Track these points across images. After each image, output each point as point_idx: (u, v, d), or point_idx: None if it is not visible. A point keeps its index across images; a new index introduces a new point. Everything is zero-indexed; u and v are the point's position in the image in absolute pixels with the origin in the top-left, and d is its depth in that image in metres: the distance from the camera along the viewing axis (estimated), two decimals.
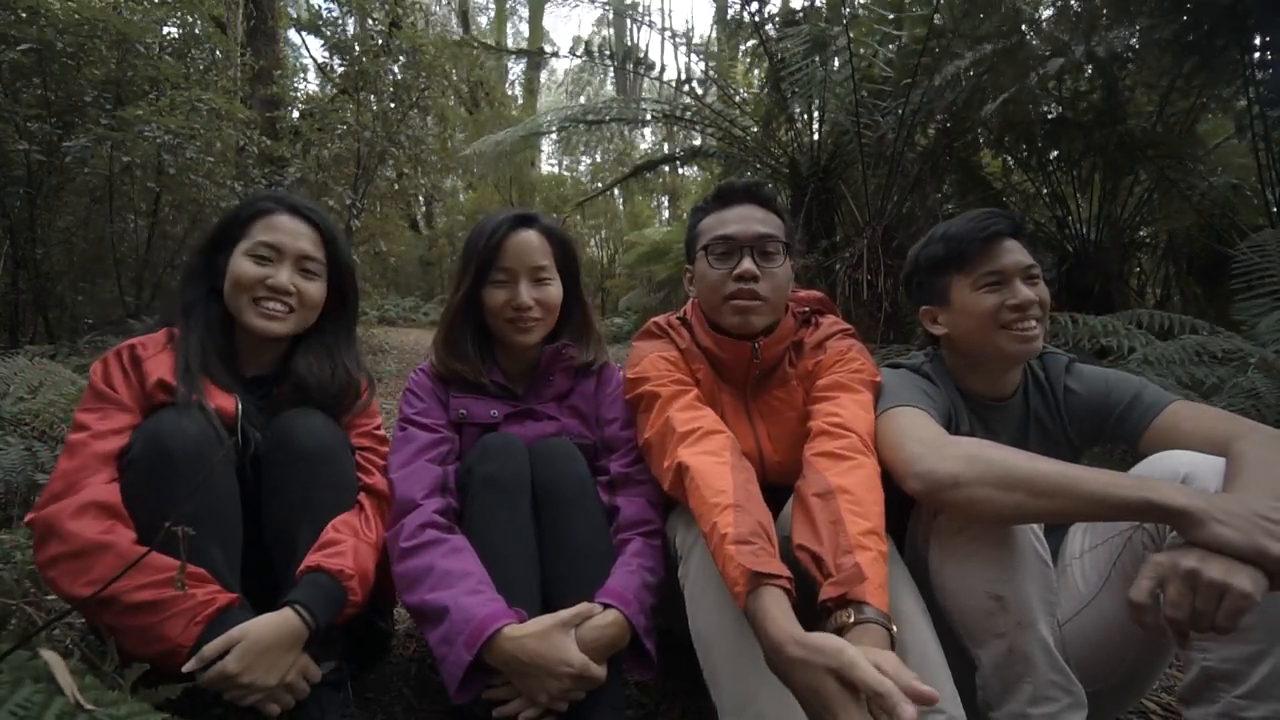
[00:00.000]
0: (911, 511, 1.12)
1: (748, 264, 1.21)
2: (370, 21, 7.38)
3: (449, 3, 16.87)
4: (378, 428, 1.30)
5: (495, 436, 1.22)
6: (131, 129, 3.92)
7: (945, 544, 0.99)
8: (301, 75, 12.18)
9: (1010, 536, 0.94)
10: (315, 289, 1.22)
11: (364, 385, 1.29)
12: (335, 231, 1.27)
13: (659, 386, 1.21)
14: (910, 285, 1.31)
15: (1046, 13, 4.55)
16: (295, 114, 7.08)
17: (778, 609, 0.83)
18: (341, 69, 6.94)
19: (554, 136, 7.16)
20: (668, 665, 1.20)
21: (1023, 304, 1.13)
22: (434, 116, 8.17)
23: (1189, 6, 3.45)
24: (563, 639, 0.99)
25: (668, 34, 6.61)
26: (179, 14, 5.04)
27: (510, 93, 17.50)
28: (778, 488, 1.12)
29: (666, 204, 15.62)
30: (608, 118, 6.31)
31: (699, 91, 6.06)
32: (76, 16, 3.82)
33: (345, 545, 1.07)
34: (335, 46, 7.01)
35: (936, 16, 4.12)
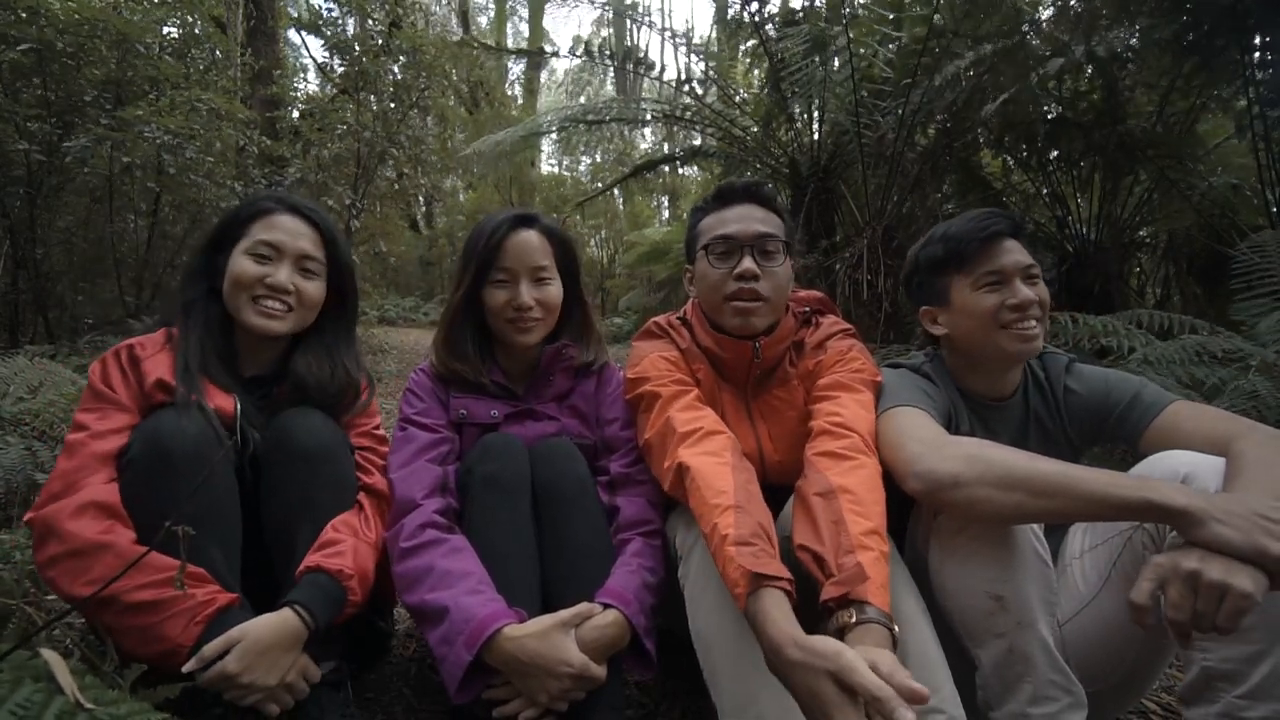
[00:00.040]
0: (911, 511, 1.12)
1: (748, 263, 1.21)
2: (370, 21, 7.37)
3: (449, 3, 16.87)
4: (377, 427, 1.30)
5: (495, 436, 1.22)
6: (131, 129, 3.92)
7: (945, 544, 0.99)
8: (301, 75, 12.19)
9: (1010, 536, 0.94)
10: (314, 288, 1.22)
11: (363, 385, 1.29)
12: (335, 231, 1.27)
13: (659, 387, 1.21)
14: (910, 285, 1.31)
15: (1046, 13, 4.55)
16: (295, 114, 7.08)
17: (778, 611, 0.83)
18: (341, 69, 6.94)
19: (554, 136, 7.17)
20: (668, 665, 1.20)
21: (1023, 304, 1.13)
22: (434, 116, 8.17)
23: (1189, 6, 3.45)
24: (563, 639, 0.99)
25: (667, 34, 6.60)
26: (179, 14, 5.03)
27: (510, 93, 17.51)
28: (778, 488, 1.12)
29: (666, 204, 15.62)
30: (608, 118, 6.32)
31: (699, 91, 6.07)
32: (76, 16, 3.82)
33: (345, 545, 1.07)
34: (335, 46, 7.01)
35: (936, 16, 4.12)
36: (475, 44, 10.01)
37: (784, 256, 1.25)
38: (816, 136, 5.21)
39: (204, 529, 0.91)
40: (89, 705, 0.67)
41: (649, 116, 6.31)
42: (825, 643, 0.77)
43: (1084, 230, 4.55)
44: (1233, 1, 3.24)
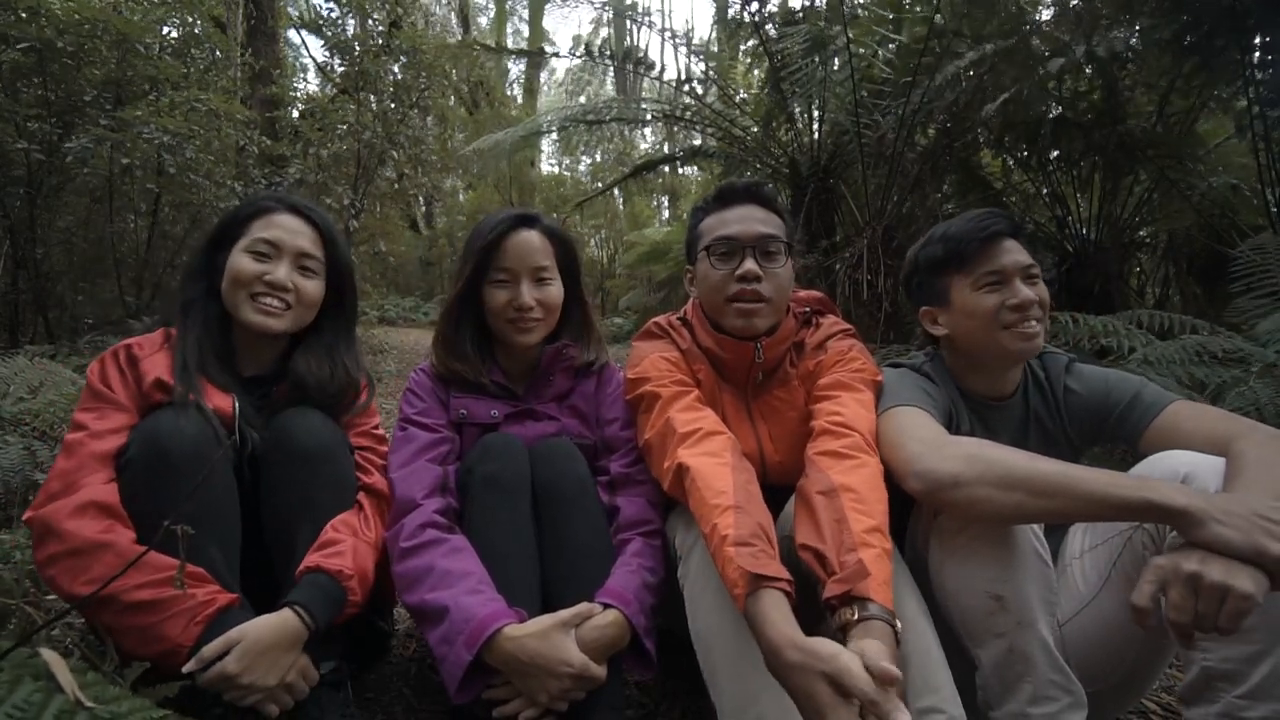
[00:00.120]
0: (912, 511, 1.12)
1: (750, 264, 1.21)
2: (370, 22, 7.37)
3: (449, 3, 16.87)
4: (376, 427, 1.30)
5: (495, 436, 1.22)
6: (131, 129, 3.92)
7: (945, 544, 0.99)
8: (301, 75, 12.21)
9: (1010, 536, 0.94)
10: (313, 287, 1.22)
11: (363, 385, 1.29)
12: (334, 231, 1.28)
13: (659, 387, 1.21)
14: (910, 286, 1.31)
15: (1047, 13, 4.55)
16: (295, 114, 7.08)
17: (777, 612, 0.83)
18: (341, 69, 6.93)
19: (554, 136, 7.18)
20: (668, 665, 1.20)
21: (1023, 304, 1.13)
22: (434, 116, 8.16)
23: (1189, 6, 3.45)
24: (563, 639, 0.99)
25: (667, 34, 6.61)
26: (179, 14, 5.02)
27: (510, 93, 17.52)
28: (778, 488, 1.12)
29: (666, 204, 15.62)
30: (608, 118, 6.32)
31: (699, 91, 6.07)
32: (76, 16, 3.81)
33: (344, 545, 1.07)
34: (335, 46, 6.99)
35: (937, 16, 4.12)
36: (475, 44, 10.00)
37: (785, 257, 1.25)
38: (816, 136, 5.21)
39: (203, 529, 0.90)
40: (89, 704, 0.67)
41: (649, 116, 6.32)
42: (823, 644, 0.78)
43: (1084, 230, 4.55)
44: (1233, 1, 3.24)
